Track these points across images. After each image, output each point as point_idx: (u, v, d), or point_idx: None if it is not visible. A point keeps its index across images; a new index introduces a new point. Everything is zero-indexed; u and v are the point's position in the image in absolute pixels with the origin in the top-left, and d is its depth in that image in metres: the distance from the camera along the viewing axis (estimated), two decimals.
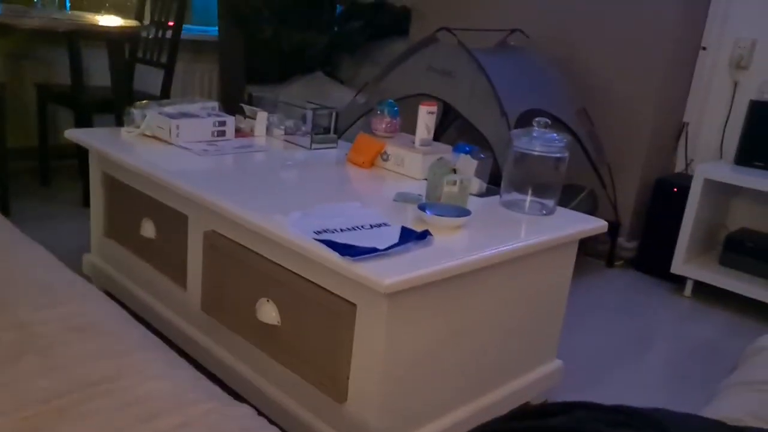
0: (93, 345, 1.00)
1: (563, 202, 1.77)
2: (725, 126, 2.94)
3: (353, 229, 1.37)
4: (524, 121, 2.45)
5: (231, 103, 3.76)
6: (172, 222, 1.77)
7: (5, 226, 1.49)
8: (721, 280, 2.65)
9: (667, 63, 2.84)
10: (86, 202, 2.94)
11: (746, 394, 1.02)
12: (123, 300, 2.00)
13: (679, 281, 2.79)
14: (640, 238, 2.99)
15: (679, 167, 3.11)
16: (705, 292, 2.76)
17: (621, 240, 3.03)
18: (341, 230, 1.35)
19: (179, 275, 1.78)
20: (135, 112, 2.07)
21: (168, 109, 2.10)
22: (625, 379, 2.03)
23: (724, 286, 2.65)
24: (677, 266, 2.73)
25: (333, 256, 1.24)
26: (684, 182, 2.77)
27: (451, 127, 3.39)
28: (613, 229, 2.93)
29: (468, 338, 1.47)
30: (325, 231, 1.34)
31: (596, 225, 1.68)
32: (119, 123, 2.76)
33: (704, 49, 2.96)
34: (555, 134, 1.68)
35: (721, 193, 2.83)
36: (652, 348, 2.27)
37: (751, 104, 2.69)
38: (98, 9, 3.65)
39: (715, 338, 2.39)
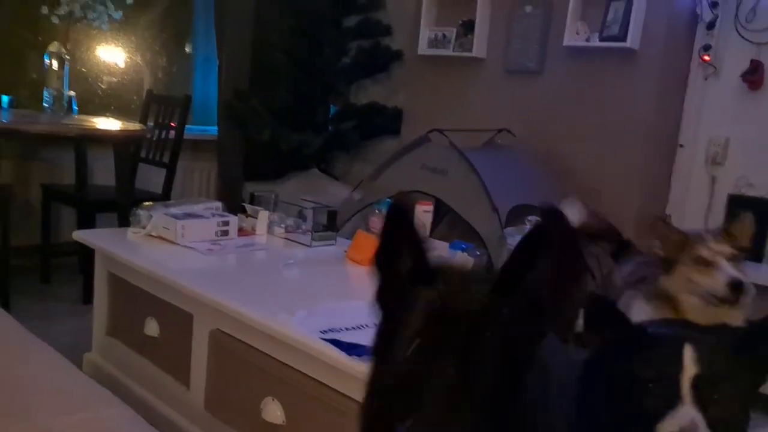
0: None
1: None
2: (706, 218, 3.06)
3: (359, 327, 1.42)
4: (514, 215, 2.56)
5: (229, 200, 3.86)
6: (177, 321, 1.81)
7: (10, 323, 1.53)
8: None
9: (646, 159, 2.98)
10: (86, 300, 2.96)
11: None
12: (124, 400, 1.99)
13: None
14: None
15: None
16: None
17: None
18: (347, 329, 1.40)
19: (183, 374, 1.80)
20: (141, 213, 2.15)
21: (173, 210, 2.18)
22: None
23: None
24: None
25: (340, 356, 1.28)
26: None
27: (442, 222, 3.50)
28: None
29: None
30: (331, 330, 1.39)
31: None
32: (122, 222, 2.84)
33: (681, 146, 3.12)
34: None
35: None
36: None
37: (729, 198, 2.82)
38: (104, 112, 3.80)
39: None
